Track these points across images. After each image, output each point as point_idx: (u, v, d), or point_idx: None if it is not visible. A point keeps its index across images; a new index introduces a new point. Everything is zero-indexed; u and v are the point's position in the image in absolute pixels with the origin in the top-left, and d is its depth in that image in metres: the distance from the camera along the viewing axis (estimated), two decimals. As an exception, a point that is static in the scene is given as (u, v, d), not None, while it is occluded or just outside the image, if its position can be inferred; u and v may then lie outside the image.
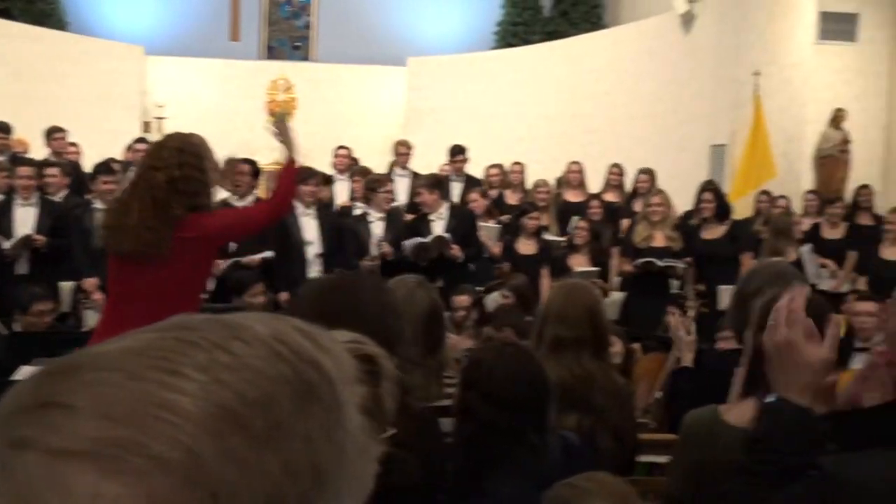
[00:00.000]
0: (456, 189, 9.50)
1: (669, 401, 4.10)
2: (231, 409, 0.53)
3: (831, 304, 5.47)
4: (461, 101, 14.48)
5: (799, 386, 1.58)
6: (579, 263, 7.87)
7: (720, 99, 11.20)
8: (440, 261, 7.56)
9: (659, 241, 7.79)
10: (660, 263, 7.59)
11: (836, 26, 12.91)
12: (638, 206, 8.77)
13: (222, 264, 6.74)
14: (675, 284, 7.92)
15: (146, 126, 14.35)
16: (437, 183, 8.24)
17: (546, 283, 7.40)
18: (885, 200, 10.89)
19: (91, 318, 6.50)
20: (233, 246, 7.00)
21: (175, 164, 3.55)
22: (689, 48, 12.05)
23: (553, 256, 8.07)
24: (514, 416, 2.33)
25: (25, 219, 7.18)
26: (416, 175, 9.70)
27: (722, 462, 1.76)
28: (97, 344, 0.58)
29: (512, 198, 9.77)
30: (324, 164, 9.70)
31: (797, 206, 9.86)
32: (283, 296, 6.78)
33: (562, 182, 9.99)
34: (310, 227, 7.51)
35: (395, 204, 8.22)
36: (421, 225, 7.82)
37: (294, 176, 4.04)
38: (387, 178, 8.33)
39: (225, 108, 15.28)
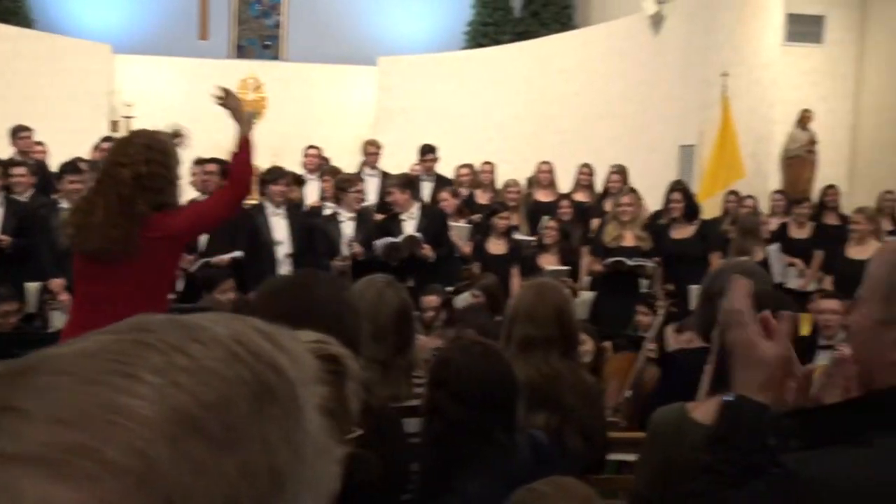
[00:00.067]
0: (426, 188, 9.50)
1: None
2: (187, 412, 0.52)
3: (798, 302, 5.55)
4: (431, 100, 14.47)
5: (757, 383, 1.59)
6: (549, 263, 7.90)
7: (689, 99, 11.28)
8: (411, 260, 7.55)
9: (628, 240, 7.83)
10: (629, 263, 7.63)
11: (803, 28, 13.07)
12: (609, 205, 8.81)
13: (192, 265, 6.69)
14: (644, 284, 7.96)
15: (114, 125, 14.21)
16: (409, 182, 8.24)
17: (516, 282, 7.42)
18: (851, 200, 11.03)
19: (58, 319, 6.43)
20: (202, 245, 6.96)
21: (142, 161, 3.51)
22: (659, 49, 12.11)
23: (523, 256, 8.09)
24: (482, 415, 2.33)
25: (-9, 219, 7.09)
26: (385, 175, 9.69)
27: (689, 460, 1.77)
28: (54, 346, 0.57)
29: (482, 197, 9.78)
30: (294, 164, 9.66)
31: (765, 206, 9.95)
32: (253, 296, 6.74)
33: (532, 182, 10.02)
34: (279, 227, 7.49)
35: (365, 204, 8.20)
36: (392, 224, 7.82)
37: (249, 153, 3.85)
38: (357, 178, 8.31)
39: (194, 107, 15.11)
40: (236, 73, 15.71)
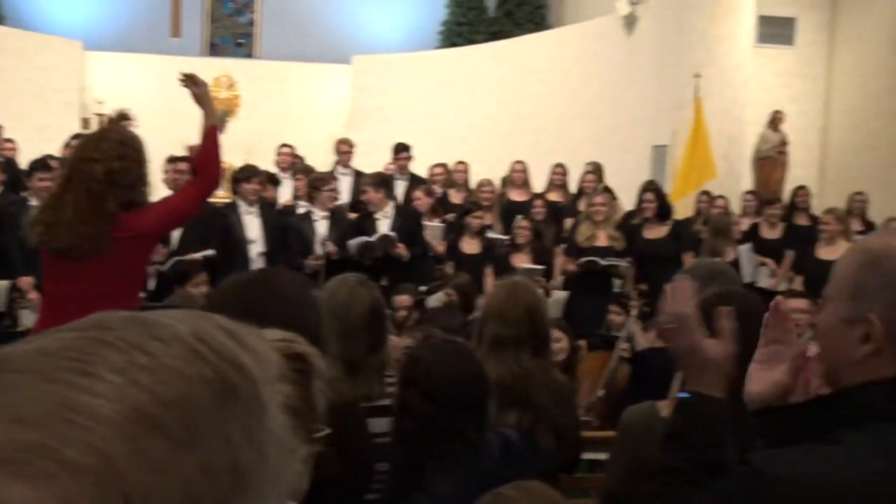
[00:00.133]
0: (400, 187, 9.49)
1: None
2: (146, 411, 0.52)
3: (768, 302, 5.59)
4: (406, 100, 14.47)
5: (709, 382, 1.61)
6: (522, 262, 7.92)
7: (662, 100, 11.34)
8: (385, 260, 7.55)
9: (602, 240, 7.87)
10: (602, 262, 7.66)
11: (775, 30, 13.18)
12: (583, 205, 8.85)
13: (164, 264, 6.65)
14: (617, 284, 8.00)
15: (85, 122, 14.08)
16: (383, 181, 8.23)
17: (490, 281, 7.43)
18: (822, 201, 11.14)
19: (27, 318, 6.37)
20: (174, 244, 6.91)
21: (115, 157, 3.48)
22: (632, 50, 12.17)
23: (496, 255, 8.10)
24: (452, 413, 2.33)
25: (-41, 217, 7.01)
26: (358, 173, 9.68)
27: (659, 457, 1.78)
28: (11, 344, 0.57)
29: (456, 197, 9.79)
30: (267, 163, 9.63)
31: (737, 207, 10.02)
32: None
33: (506, 181, 10.04)
34: (253, 226, 7.46)
35: (338, 203, 8.18)
36: (366, 223, 7.81)
37: (217, 143, 3.71)
38: (330, 177, 8.29)
39: (166, 105, 15.04)
40: (209, 71, 15.57)
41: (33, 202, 6.90)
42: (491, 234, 8.56)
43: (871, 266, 1.38)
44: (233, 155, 14.18)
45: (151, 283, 6.46)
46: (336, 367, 2.88)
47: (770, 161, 12.63)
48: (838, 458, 1.29)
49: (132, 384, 0.52)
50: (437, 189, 9.66)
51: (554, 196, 9.76)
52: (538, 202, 9.23)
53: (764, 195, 10.57)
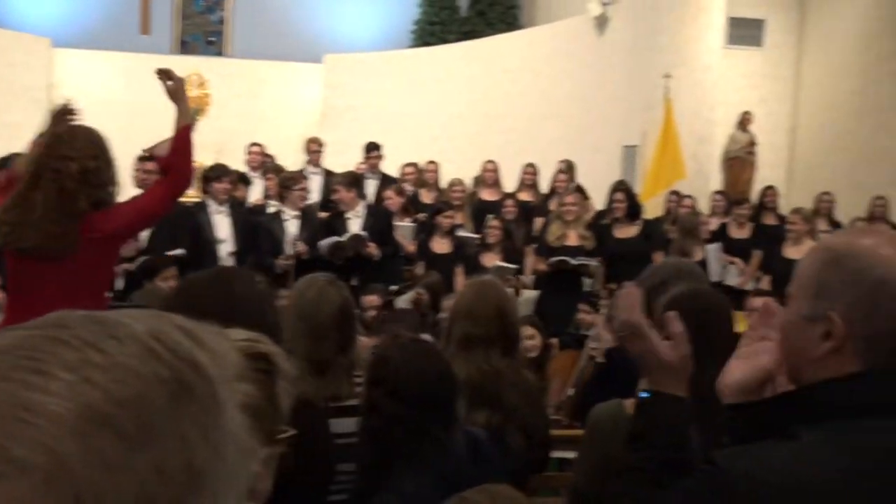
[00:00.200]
0: (371, 187, 9.48)
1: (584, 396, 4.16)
2: (99, 409, 0.52)
3: (737, 300, 5.64)
4: (378, 99, 14.45)
5: (669, 382, 1.63)
6: (492, 261, 7.93)
7: (632, 100, 11.40)
8: (356, 259, 7.53)
9: (572, 239, 7.90)
10: (573, 262, 7.69)
11: (744, 31, 13.30)
12: (554, 204, 8.87)
13: (133, 263, 6.59)
14: (587, 283, 8.04)
15: (53, 120, 13.94)
16: (354, 181, 8.22)
17: (460, 281, 7.44)
18: (790, 201, 11.25)
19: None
20: (143, 243, 6.86)
21: (90, 156, 3.45)
22: (603, 50, 12.23)
23: (467, 255, 8.11)
24: (419, 412, 2.34)
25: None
26: (328, 173, 9.65)
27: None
28: None
29: (427, 196, 9.79)
30: (237, 162, 9.57)
31: (706, 207, 10.09)
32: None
33: (477, 181, 10.05)
34: (222, 225, 7.41)
35: (308, 202, 8.15)
36: (337, 223, 7.79)
37: (190, 142, 3.63)
38: (301, 176, 8.25)
39: (135, 103, 14.93)
40: (179, 68, 15.28)
41: (-1, 201, 6.82)
42: (461, 233, 8.57)
43: (833, 265, 1.39)
44: (203, 154, 14.08)
45: (120, 283, 6.41)
46: (303, 367, 2.88)
47: (739, 161, 12.74)
48: (799, 455, 1.31)
49: (85, 382, 0.52)
50: (409, 187, 9.66)
51: (525, 196, 9.79)
52: (509, 202, 9.25)
53: (733, 195, 10.65)
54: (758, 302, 5.60)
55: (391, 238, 7.96)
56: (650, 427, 1.62)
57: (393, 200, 8.63)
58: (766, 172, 12.65)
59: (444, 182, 9.96)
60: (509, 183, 10.05)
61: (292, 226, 7.57)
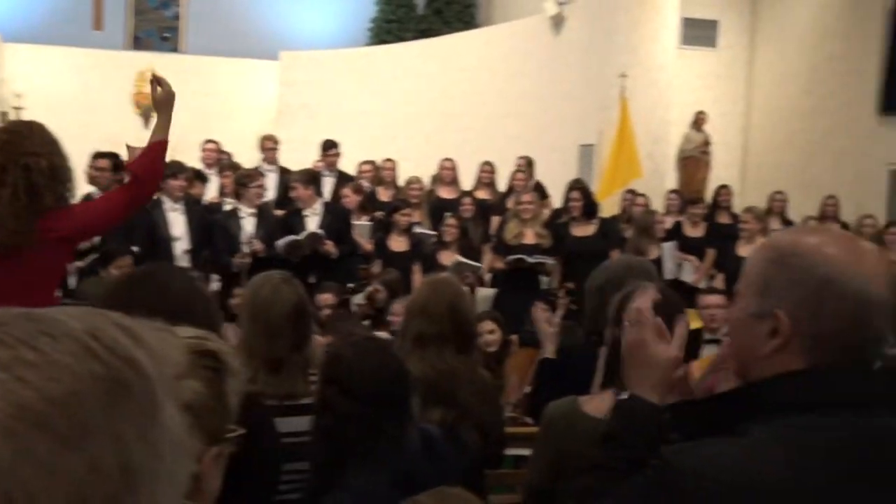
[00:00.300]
0: (328, 184, 9.43)
1: (533, 393, 4.19)
2: (31, 408, 0.51)
3: (689, 298, 5.70)
4: (334, 96, 14.39)
5: (650, 383, 1.64)
6: (449, 259, 7.94)
7: (588, 100, 11.47)
8: (313, 257, 7.50)
9: (529, 238, 7.93)
10: (530, 260, 7.73)
11: (698, 32, 13.46)
12: (511, 203, 8.90)
13: (85, 260, 6.51)
14: (544, 281, 8.07)
15: (3, 116, 13.71)
16: (312, 178, 8.17)
17: (418, 279, 7.43)
18: (743, 200, 11.40)
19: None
20: (96, 240, 6.76)
21: (56, 152, 3.42)
22: (559, 50, 12.29)
23: (424, 253, 8.11)
24: (373, 410, 2.33)
25: None
26: (283, 170, 9.59)
27: (581, 452, 1.81)
28: None
29: (384, 195, 9.77)
30: (192, 159, 9.47)
31: (661, 206, 10.18)
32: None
33: (435, 179, 10.05)
34: (178, 223, 7.33)
35: (264, 200, 8.09)
36: (295, 220, 7.75)
37: (161, 156, 3.57)
38: (257, 174, 8.19)
39: (88, 99, 14.75)
40: (133, 64, 15.33)
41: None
42: (418, 229, 8.56)
43: (778, 263, 1.41)
44: (157, 151, 13.96)
45: (72, 280, 6.32)
46: (258, 365, 2.86)
47: (693, 161, 12.89)
48: (745, 452, 1.32)
49: (16, 380, 0.51)
50: (366, 184, 9.63)
51: (482, 194, 9.81)
52: (466, 200, 9.26)
53: (687, 194, 10.76)
54: (710, 300, 5.67)
55: (349, 236, 7.93)
56: (624, 428, 1.63)
57: (350, 198, 8.60)
58: (721, 172, 12.81)
59: (401, 180, 9.94)
60: (467, 181, 10.07)
61: (249, 223, 7.51)
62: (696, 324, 5.16)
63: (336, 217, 7.89)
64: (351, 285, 7.09)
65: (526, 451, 3.72)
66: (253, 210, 7.56)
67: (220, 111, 14.92)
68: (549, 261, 7.88)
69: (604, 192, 10.09)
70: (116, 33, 15.61)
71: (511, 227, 8.04)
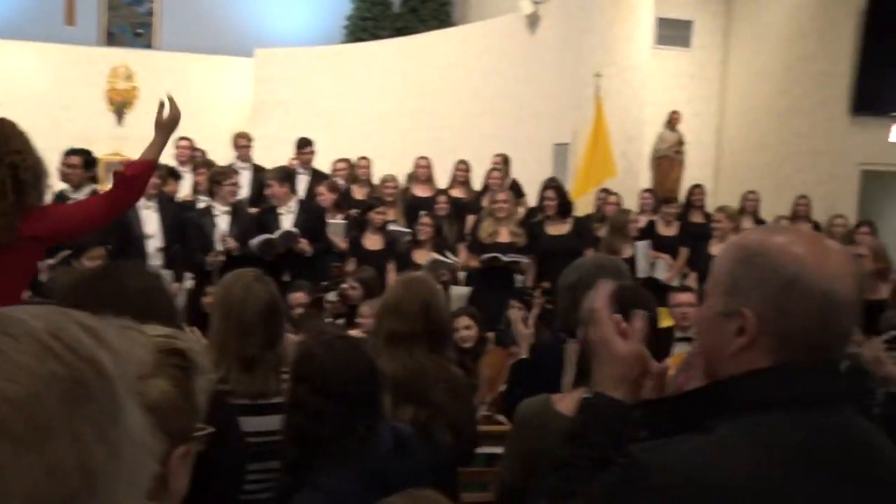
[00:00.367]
0: (302, 182, 9.41)
1: (507, 392, 4.20)
2: None
3: (661, 296, 5.73)
4: (309, 94, 14.34)
5: (614, 380, 1.65)
6: (424, 258, 7.94)
7: (563, 99, 11.50)
8: (287, 255, 7.47)
9: (504, 236, 7.95)
10: (504, 259, 7.74)
11: (672, 32, 13.53)
12: (486, 201, 8.91)
13: (55, 258, 6.45)
14: (519, 280, 8.09)
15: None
16: (287, 176, 8.16)
17: (392, 277, 7.43)
18: (717, 199, 11.48)
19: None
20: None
21: (33, 150, 3.41)
22: (534, 49, 12.31)
23: (399, 251, 8.11)
24: (343, 408, 2.33)
25: None
26: (257, 168, 9.55)
27: (553, 451, 1.82)
28: None
29: (359, 193, 9.75)
30: (166, 156, 9.39)
31: (635, 205, 10.23)
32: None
33: (410, 177, 10.05)
34: (151, 221, 7.30)
35: (238, 197, 8.06)
36: (269, 218, 7.72)
37: (148, 176, 3.65)
38: (232, 171, 8.16)
39: (61, 95, 14.61)
40: (106, 61, 15.21)
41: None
42: (392, 226, 8.55)
43: (746, 262, 1.42)
44: (131, 147, 13.86)
45: (43, 277, 6.26)
46: (230, 363, 2.85)
47: (667, 160, 12.95)
48: (712, 449, 1.33)
49: None
50: (340, 181, 9.61)
51: (457, 192, 9.81)
52: (441, 198, 9.27)
53: (661, 193, 10.82)
54: (681, 298, 5.71)
55: (323, 234, 7.92)
56: (589, 427, 1.64)
57: (325, 197, 8.58)
58: (694, 171, 12.89)
59: (376, 178, 9.93)
60: (442, 179, 10.07)
61: (223, 221, 7.48)
62: (667, 322, 5.19)
63: (311, 215, 7.88)
64: (324, 283, 7.08)
65: (499, 450, 3.73)
66: (227, 208, 7.53)
67: (195, 108, 14.74)
68: (524, 259, 7.90)
69: (578, 190, 10.11)
70: (89, 29, 15.47)
71: (486, 225, 8.06)
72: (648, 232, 9.21)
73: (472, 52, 13.31)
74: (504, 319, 6.81)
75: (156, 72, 15.12)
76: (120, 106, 15.00)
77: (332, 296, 6.56)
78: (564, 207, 8.33)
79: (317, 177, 9.56)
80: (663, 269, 8.84)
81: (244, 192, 8.99)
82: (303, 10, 16.25)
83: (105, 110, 14.97)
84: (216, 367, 2.77)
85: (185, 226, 7.47)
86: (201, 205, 7.98)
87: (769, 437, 1.33)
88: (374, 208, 8.29)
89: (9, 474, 0.50)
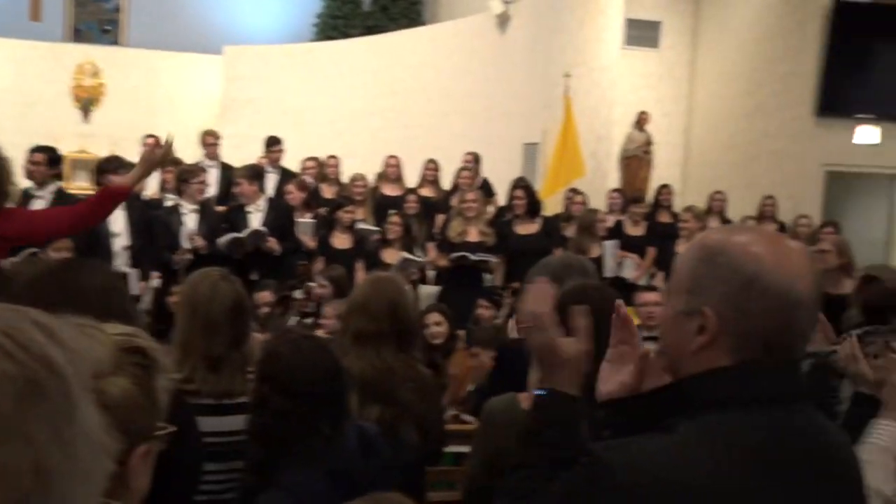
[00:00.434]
0: (271, 181, 9.37)
1: (476, 391, 4.21)
2: None
3: (629, 295, 5.76)
4: (279, 92, 14.28)
5: (564, 379, 1.66)
6: (393, 257, 7.94)
7: (533, 98, 11.54)
8: (256, 254, 7.44)
9: (473, 236, 7.97)
10: (473, 258, 7.76)
11: (641, 33, 13.62)
12: (455, 201, 8.93)
13: (18, 256, 6.37)
14: (488, 279, 8.12)
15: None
16: (257, 174, 8.13)
17: (361, 276, 7.42)
18: (684, 199, 11.57)
19: None
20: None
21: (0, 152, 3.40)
22: (504, 48, 12.34)
23: (367, 250, 8.10)
24: (308, 407, 2.33)
25: None
26: (225, 166, 9.49)
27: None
28: None
29: (327, 191, 9.73)
30: (133, 154, 9.32)
31: (604, 204, 10.28)
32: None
33: (380, 176, 10.04)
34: (117, 219, 7.21)
35: (206, 195, 8.01)
36: (238, 216, 7.69)
37: (120, 201, 3.84)
38: (199, 169, 8.11)
39: (25, 91, 14.44)
40: (72, 57, 15.06)
41: None
42: (361, 226, 8.54)
43: (706, 261, 1.44)
44: (97, 145, 13.73)
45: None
46: (195, 362, 2.83)
47: (636, 160, 13.03)
48: (674, 448, 1.34)
49: None
50: (310, 180, 9.58)
51: (426, 191, 9.82)
52: (411, 197, 9.27)
53: (629, 193, 10.88)
54: (647, 297, 5.76)
55: (292, 233, 7.89)
56: (544, 425, 1.64)
57: (294, 195, 8.55)
58: (663, 171, 12.98)
59: (345, 177, 9.91)
60: (411, 178, 10.07)
61: (190, 220, 7.43)
62: (633, 320, 5.22)
63: (279, 214, 7.85)
64: (291, 281, 7.06)
65: (466, 448, 3.74)
66: (195, 206, 7.48)
67: (162, 105, 14.71)
68: (493, 259, 7.93)
69: (547, 190, 10.15)
70: (55, 25, 15.31)
71: (455, 224, 8.07)
72: (616, 231, 9.26)
73: (442, 51, 13.32)
74: (473, 318, 6.83)
75: (123, 69, 15.00)
76: (86, 103, 14.85)
77: (298, 293, 6.54)
78: (533, 207, 8.36)
79: (286, 175, 9.53)
80: (631, 269, 8.89)
81: (212, 190, 8.93)
82: (273, 7, 16.18)
83: (71, 107, 14.82)
84: (181, 367, 2.76)
85: (152, 224, 7.41)
86: (169, 203, 7.92)
87: (729, 437, 1.34)
88: (343, 207, 8.27)
89: None
